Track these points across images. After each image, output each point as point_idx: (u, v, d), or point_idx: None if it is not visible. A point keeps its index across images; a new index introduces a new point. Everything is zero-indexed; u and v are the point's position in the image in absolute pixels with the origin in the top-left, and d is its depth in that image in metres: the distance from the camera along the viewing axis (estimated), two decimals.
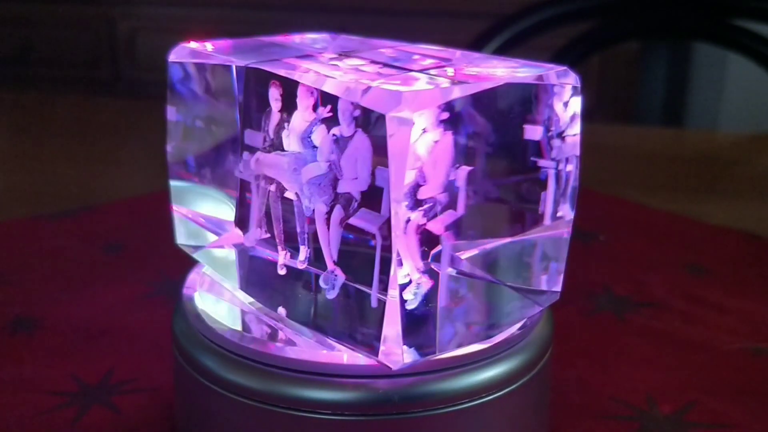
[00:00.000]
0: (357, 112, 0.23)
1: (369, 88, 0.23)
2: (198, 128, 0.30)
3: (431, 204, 0.24)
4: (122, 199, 0.60)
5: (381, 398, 0.25)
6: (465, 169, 0.24)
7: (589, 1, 0.89)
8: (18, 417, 0.33)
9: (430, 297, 0.24)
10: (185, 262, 0.32)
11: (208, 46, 0.30)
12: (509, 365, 0.26)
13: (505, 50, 0.85)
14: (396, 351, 0.24)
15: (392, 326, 0.23)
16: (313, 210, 0.25)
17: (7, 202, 0.61)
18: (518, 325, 0.27)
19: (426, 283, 0.24)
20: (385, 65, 0.26)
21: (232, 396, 0.26)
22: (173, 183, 0.32)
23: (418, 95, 0.22)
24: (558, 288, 0.28)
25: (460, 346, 0.25)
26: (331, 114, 0.24)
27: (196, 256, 0.32)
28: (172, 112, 0.31)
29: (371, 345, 0.24)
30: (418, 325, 0.24)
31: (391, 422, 0.25)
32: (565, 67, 0.26)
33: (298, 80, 0.25)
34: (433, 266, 0.25)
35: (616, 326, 0.41)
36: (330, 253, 0.25)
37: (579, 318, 0.42)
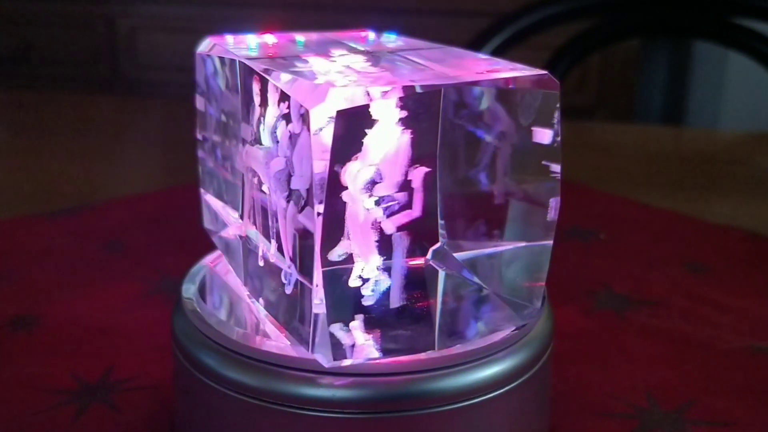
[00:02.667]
0: (303, 109, 0.23)
1: (299, 81, 0.23)
2: (219, 119, 0.31)
3: (390, 201, 0.24)
4: (122, 197, 0.60)
5: (380, 396, 0.25)
6: (422, 170, 0.24)
7: (589, 0, 0.89)
8: (17, 415, 0.33)
9: (386, 296, 0.24)
10: (185, 260, 0.32)
11: (234, 39, 0.30)
12: (510, 363, 0.26)
13: (505, 49, 0.85)
14: (325, 348, 0.24)
15: (320, 322, 0.24)
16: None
17: (7, 200, 0.61)
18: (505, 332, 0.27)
19: (385, 281, 0.24)
20: (387, 63, 0.26)
21: (232, 394, 0.26)
22: (201, 169, 0.33)
23: (343, 92, 0.22)
24: (539, 303, 0.27)
25: (416, 350, 0.25)
26: (288, 110, 0.24)
27: (214, 240, 0.32)
28: (200, 102, 0.32)
29: (307, 341, 0.24)
30: (371, 323, 0.24)
31: (391, 420, 0.25)
32: (545, 72, 0.25)
33: (265, 76, 0.25)
34: (432, 263, 0.25)
35: (616, 324, 0.41)
36: (287, 248, 0.25)
37: (579, 316, 0.42)
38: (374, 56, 0.27)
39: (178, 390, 0.29)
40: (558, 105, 0.25)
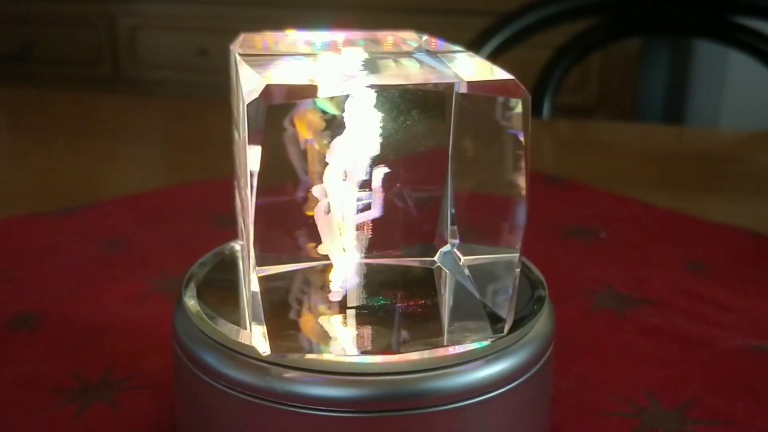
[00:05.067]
0: (244, 102, 0.23)
1: (250, 75, 0.23)
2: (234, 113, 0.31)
3: (355, 200, 0.24)
4: (122, 196, 0.60)
5: (382, 395, 0.25)
6: (381, 170, 0.24)
7: None
8: (18, 414, 0.33)
9: (355, 292, 0.24)
10: (185, 259, 0.32)
11: (256, 36, 0.31)
12: (511, 362, 0.26)
13: (505, 48, 0.85)
14: (261, 338, 0.24)
15: (255, 315, 0.24)
16: None
17: (7, 199, 0.61)
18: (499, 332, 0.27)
19: (352, 278, 0.24)
20: (388, 61, 0.26)
21: (232, 392, 0.26)
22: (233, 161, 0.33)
23: (284, 87, 0.22)
24: (505, 314, 0.26)
25: (371, 351, 0.25)
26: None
27: (239, 231, 0.33)
28: (233, 96, 0.32)
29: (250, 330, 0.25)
30: (333, 319, 0.24)
31: (392, 419, 0.25)
32: (511, 78, 0.24)
33: (237, 70, 0.25)
34: (438, 262, 0.25)
35: (616, 323, 0.41)
36: (246, 240, 0.25)
37: (580, 315, 0.42)
38: (378, 56, 0.27)
39: (179, 389, 0.29)
40: (524, 111, 0.24)
